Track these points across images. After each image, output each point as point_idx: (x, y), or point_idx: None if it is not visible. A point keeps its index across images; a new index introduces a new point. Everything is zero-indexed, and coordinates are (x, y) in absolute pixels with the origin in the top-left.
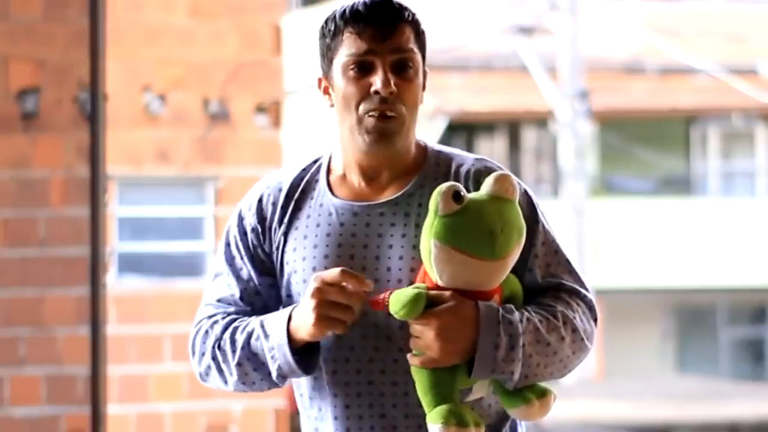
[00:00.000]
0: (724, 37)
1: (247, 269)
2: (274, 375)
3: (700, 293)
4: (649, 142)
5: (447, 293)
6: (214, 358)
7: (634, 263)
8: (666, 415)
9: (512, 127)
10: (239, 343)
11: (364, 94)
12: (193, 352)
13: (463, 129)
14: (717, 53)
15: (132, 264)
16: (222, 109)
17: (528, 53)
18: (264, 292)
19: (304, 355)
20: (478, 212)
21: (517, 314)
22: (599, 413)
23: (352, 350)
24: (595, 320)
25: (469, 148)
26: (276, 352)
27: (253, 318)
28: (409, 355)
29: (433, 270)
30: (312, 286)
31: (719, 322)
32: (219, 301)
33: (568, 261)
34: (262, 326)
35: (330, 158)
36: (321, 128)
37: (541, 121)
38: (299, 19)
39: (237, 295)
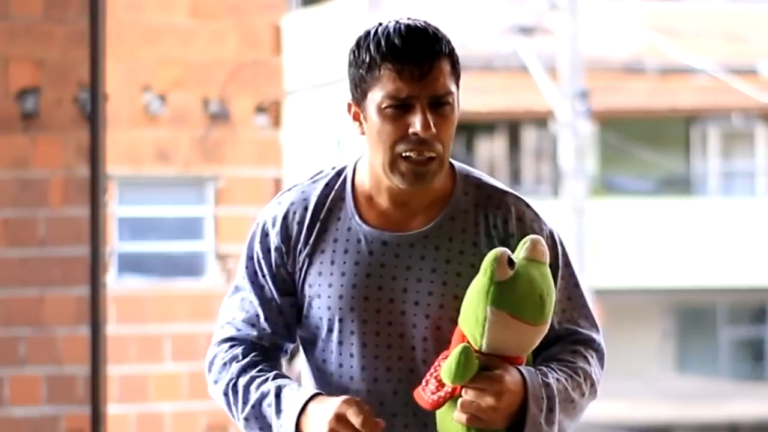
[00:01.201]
0: (724, 37)
1: (269, 288)
2: None
3: (700, 293)
4: (649, 142)
5: (495, 359)
6: (226, 394)
7: (634, 263)
8: (666, 415)
9: (512, 127)
10: (251, 400)
11: (402, 135)
12: (209, 370)
13: (463, 129)
14: (717, 53)
15: (132, 264)
16: (222, 109)
17: (528, 53)
18: (286, 312)
19: None
20: (529, 278)
21: (550, 376)
22: (599, 413)
23: (376, 382)
24: (603, 367)
25: (469, 148)
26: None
27: (271, 378)
28: (456, 413)
29: (482, 336)
30: (336, 411)
31: (719, 322)
32: (242, 321)
33: (584, 304)
34: (277, 396)
35: (354, 170)
36: (321, 128)
37: (541, 121)
38: (299, 19)
39: (261, 315)
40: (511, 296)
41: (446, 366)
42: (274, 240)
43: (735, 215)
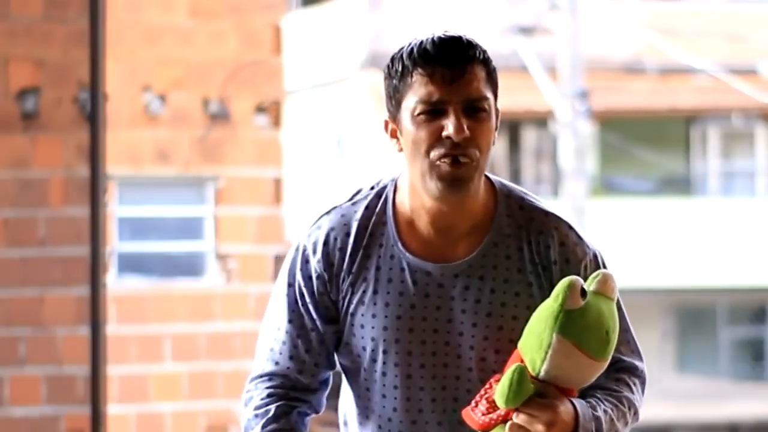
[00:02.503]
0: (724, 37)
1: (310, 317)
2: None
3: (700, 293)
4: (649, 142)
5: (551, 387)
6: None
7: (634, 263)
8: (666, 415)
9: (512, 127)
10: None
11: (435, 139)
12: (245, 406)
13: None
14: (717, 53)
15: (132, 264)
16: (222, 109)
17: (528, 53)
18: (328, 340)
19: None
20: (599, 311)
21: (599, 408)
22: None
23: (421, 413)
24: (644, 392)
25: None
26: None
27: None
28: None
29: (543, 362)
30: None
31: (719, 322)
32: (281, 353)
33: (627, 329)
34: None
35: (395, 191)
36: (321, 128)
37: (541, 121)
38: (299, 19)
39: (301, 347)
40: (579, 326)
41: (500, 386)
42: (315, 267)
43: (735, 215)
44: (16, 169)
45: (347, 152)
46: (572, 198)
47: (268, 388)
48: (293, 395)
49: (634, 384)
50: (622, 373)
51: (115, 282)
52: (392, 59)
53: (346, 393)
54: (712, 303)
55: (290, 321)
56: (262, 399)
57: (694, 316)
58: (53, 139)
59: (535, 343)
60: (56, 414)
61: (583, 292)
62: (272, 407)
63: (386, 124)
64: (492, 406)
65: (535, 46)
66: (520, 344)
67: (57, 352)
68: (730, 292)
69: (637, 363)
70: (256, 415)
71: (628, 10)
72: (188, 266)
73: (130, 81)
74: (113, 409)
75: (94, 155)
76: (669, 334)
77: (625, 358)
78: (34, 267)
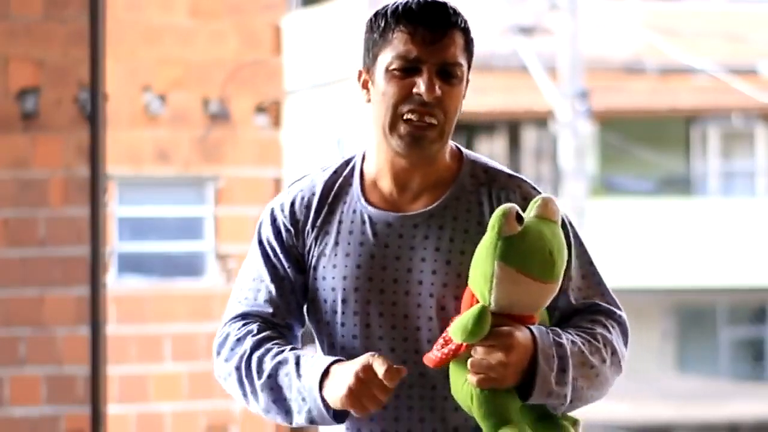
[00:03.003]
0: (724, 37)
1: (282, 267)
2: (303, 417)
3: (700, 293)
4: (649, 142)
5: (504, 318)
6: (239, 368)
7: (634, 263)
8: (666, 415)
9: (512, 127)
10: (267, 369)
11: (406, 95)
12: (218, 353)
13: (463, 129)
14: (717, 53)
15: (132, 264)
16: (222, 109)
17: (528, 53)
18: (299, 291)
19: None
20: (539, 233)
21: (563, 335)
22: (599, 413)
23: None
24: (627, 343)
25: (469, 148)
26: (307, 395)
27: (288, 349)
28: (469, 376)
29: (491, 292)
30: (362, 363)
31: (719, 322)
32: (255, 298)
33: (600, 282)
34: (297, 364)
35: (363, 159)
36: (321, 128)
37: (541, 121)
38: (299, 19)
39: (274, 292)
40: (519, 251)
41: (460, 323)
42: (283, 222)
43: (735, 215)
44: (16, 169)
45: (347, 152)
46: (572, 198)
47: (244, 324)
48: (271, 333)
49: (612, 326)
50: (598, 315)
51: (115, 282)
52: (376, 14)
53: (318, 353)
54: (712, 303)
55: (262, 271)
56: (240, 329)
57: (694, 316)
58: (53, 139)
59: (480, 276)
60: (56, 414)
61: (519, 218)
62: (253, 327)
63: (360, 74)
64: (446, 342)
65: (535, 46)
66: (469, 281)
67: (57, 352)
68: (730, 292)
69: (615, 310)
70: (239, 339)
71: (628, 10)
72: (188, 266)
73: (130, 81)
74: (113, 409)
75: (94, 155)
76: (669, 334)
77: (600, 302)
78: (34, 267)
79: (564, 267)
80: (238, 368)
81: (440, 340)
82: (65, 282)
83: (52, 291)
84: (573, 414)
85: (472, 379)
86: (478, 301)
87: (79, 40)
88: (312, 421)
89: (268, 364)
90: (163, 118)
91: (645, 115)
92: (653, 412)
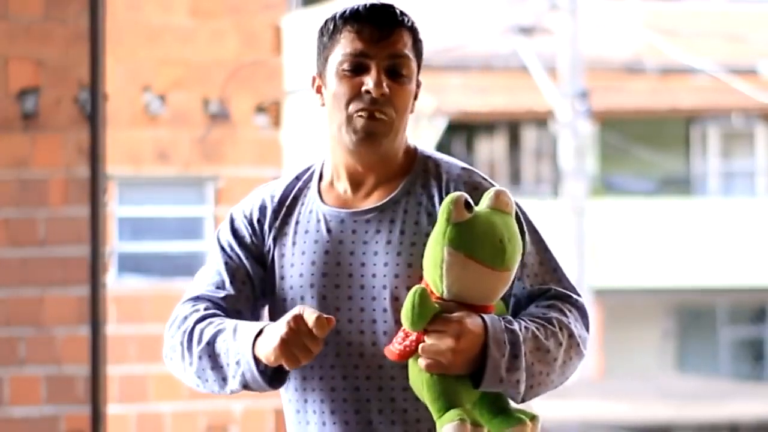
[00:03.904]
0: (724, 37)
1: (237, 257)
2: (236, 381)
3: (700, 293)
4: (649, 142)
5: (456, 305)
6: (182, 343)
7: (634, 263)
8: (666, 415)
9: (512, 127)
10: (206, 337)
11: (355, 93)
12: (167, 329)
13: (463, 129)
14: (717, 53)
15: (132, 264)
16: (222, 109)
17: (528, 53)
18: (256, 281)
19: (269, 370)
20: (489, 221)
21: (516, 323)
22: (599, 413)
23: (338, 356)
24: (587, 326)
25: (469, 148)
26: (241, 357)
27: (230, 320)
28: (419, 360)
29: (441, 279)
30: (293, 314)
31: (719, 322)
32: (208, 284)
33: (556, 269)
34: (234, 329)
35: (322, 165)
36: (320, 128)
37: (541, 121)
38: (299, 19)
39: (227, 280)
40: (468, 237)
41: (403, 310)
42: (243, 223)
43: (735, 215)
44: (16, 169)
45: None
46: (572, 198)
47: (193, 305)
48: (216, 311)
49: (569, 311)
50: (554, 300)
51: (115, 282)
52: (326, 20)
53: None
54: (712, 303)
55: (217, 263)
56: (188, 310)
57: (694, 316)
58: (53, 139)
59: (431, 263)
60: (56, 414)
61: (469, 206)
62: (201, 307)
63: (313, 79)
64: (406, 335)
65: (535, 46)
66: (423, 272)
67: (57, 352)
68: (730, 292)
69: (571, 294)
70: (185, 318)
71: (628, 10)
72: (188, 266)
73: (130, 81)
74: (113, 409)
75: (94, 155)
76: (669, 334)
77: (555, 287)
78: (34, 267)
79: (518, 257)
80: (181, 343)
81: (400, 333)
82: (65, 282)
83: (52, 291)
84: (533, 410)
85: (422, 363)
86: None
87: (79, 40)
88: (246, 385)
89: (208, 333)
90: (163, 118)
91: (645, 115)
92: (653, 412)
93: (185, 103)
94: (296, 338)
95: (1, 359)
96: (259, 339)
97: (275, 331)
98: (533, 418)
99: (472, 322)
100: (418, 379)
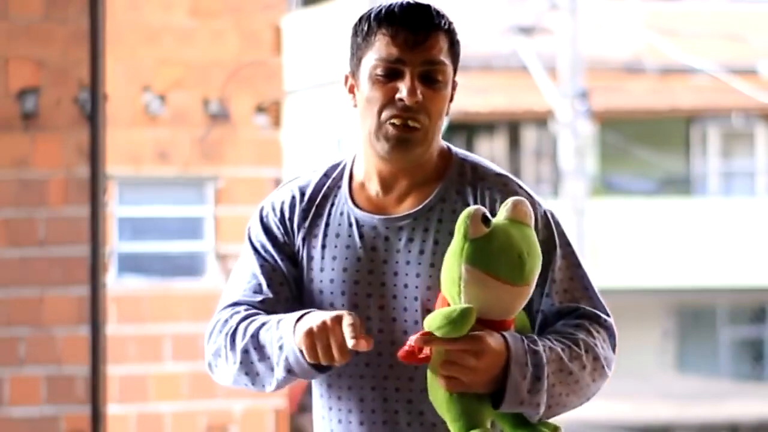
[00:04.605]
0: (724, 37)
1: (273, 259)
2: (281, 368)
3: (700, 293)
4: (649, 142)
5: (476, 324)
6: (225, 345)
7: (634, 263)
8: (666, 415)
9: (512, 127)
10: (251, 331)
11: (388, 100)
12: (209, 336)
13: (463, 129)
14: (717, 53)
15: (132, 264)
16: (222, 109)
17: (528, 53)
18: (291, 282)
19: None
20: (507, 236)
21: (540, 344)
22: (599, 413)
23: (368, 366)
24: (614, 347)
25: (469, 148)
26: (284, 343)
27: (275, 315)
28: (438, 377)
29: (459, 296)
30: (337, 313)
31: (719, 322)
32: (245, 289)
33: (587, 286)
34: (278, 320)
35: (353, 162)
36: (321, 128)
37: (541, 121)
38: (299, 19)
39: (264, 284)
40: (485, 253)
41: (441, 313)
42: (273, 221)
43: (735, 215)
44: (16, 169)
45: (347, 152)
46: (572, 198)
47: (233, 310)
48: (257, 313)
49: (597, 331)
50: (582, 320)
51: (115, 282)
52: (360, 19)
53: None
54: (712, 303)
55: (253, 265)
56: (228, 314)
57: (694, 316)
58: (53, 139)
59: (449, 280)
60: (56, 414)
61: (486, 220)
62: (241, 309)
63: (346, 78)
64: (419, 339)
65: (535, 46)
66: (441, 287)
67: (57, 352)
68: (730, 292)
69: (600, 313)
70: (226, 321)
71: (628, 10)
72: (188, 266)
73: (130, 81)
74: (113, 409)
75: (94, 155)
76: (669, 333)
77: (584, 306)
78: (34, 267)
79: (537, 270)
80: (225, 345)
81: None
82: (65, 282)
83: (52, 291)
84: (554, 420)
85: (441, 380)
86: (449, 305)
87: (79, 40)
88: (290, 370)
89: (252, 327)
90: (163, 118)
91: (645, 115)
92: (653, 412)
93: (185, 103)
94: (324, 337)
95: (1, 359)
96: (300, 322)
97: (313, 319)
98: (555, 429)
99: (495, 341)
100: (438, 396)
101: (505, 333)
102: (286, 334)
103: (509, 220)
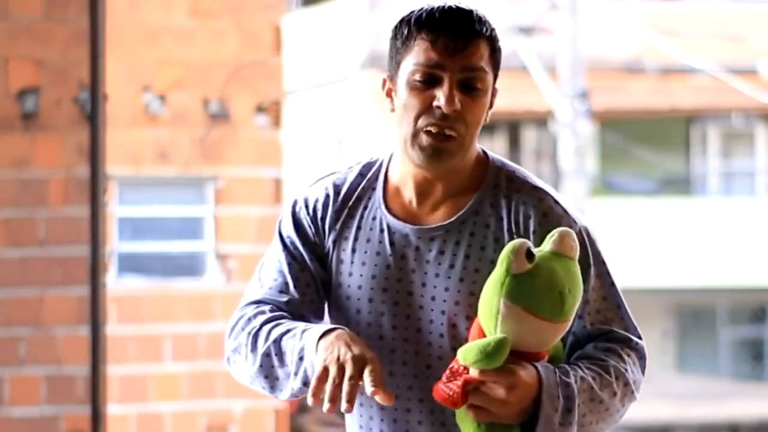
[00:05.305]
0: (724, 37)
1: (302, 259)
2: (299, 378)
3: (700, 293)
4: (649, 142)
5: (510, 355)
6: (246, 345)
7: (634, 263)
8: (666, 415)
9: (512, 127)
10: (274, 335)
11: (426, 107)
12: (231, 332)
13: None
14: (717, 53)
15: (132, 264)
16: (222, 109)
17: (528, 53)
18: (318, 283)
19: None
20: (550, 272)
21: (572, 375)
22: None
23: (392, 376)
24: (644, 369)
25: None
26: (306, 353)
27: (300, 321)
28: (469, 409)
29: (495, 329)
30: (362, 353)
31: (719, 322)
32: (271, 287)
33: (620, 305)
34: (304, 330)
35: (389, 162)
36: (321, 128)
37: (541, 121)
38: (299, 19)
39: (290, 283)
40: (527, 290)
41: (476, 345)
42: (305, 217)
43: (735, 215)
44: (16, 169)
45: (347, 152)
46: (572, 198)
47: (257, 308)
48: (282, 315)
49: (628, 355)
50: (613, 344)
51: (115, 282)
52: (400, 21)
53: None
54: (712, 303)
55: (281, 262)
56: (252, 311)
57: (694, 316)
58: (53, 139)
59: (487, 311)
60: (56, 414)
61: (530, 255)
62: (266, 309)
63: (384, 82)
64: (453, 374)
65: (535, 46)
66: (478, 313)
67: (57, 352)
68: (730, 292)
69: (632, 337)
70: (249, 319)
71: (628, 10)
72: (188, 266)
73: (130, 81)
74: (113, 409)
75: (94, 155)
76: (669, 333)
77: (617, 330)
78: (34, 267)
79: (577, 304)
80: (246, 344)
81: (447, 372)
82: (65, 282)
83: (52, 291)
84: None
85: (470, 410)
86: (484, 335)
87: (79, 40)
88: (306, 383)
89: (276, 332)
90: (163, 118)
91: (645, 115)
92: (653, 412)
93: (185, 103)
94: (334, 385)
95: (1, 359)
96: (325, 339)
97: (335, 346)
98: None
99: (527, 374)
100: (466, 423)
101: (537, 364)
102: (309, 346)
103: (553, 254)
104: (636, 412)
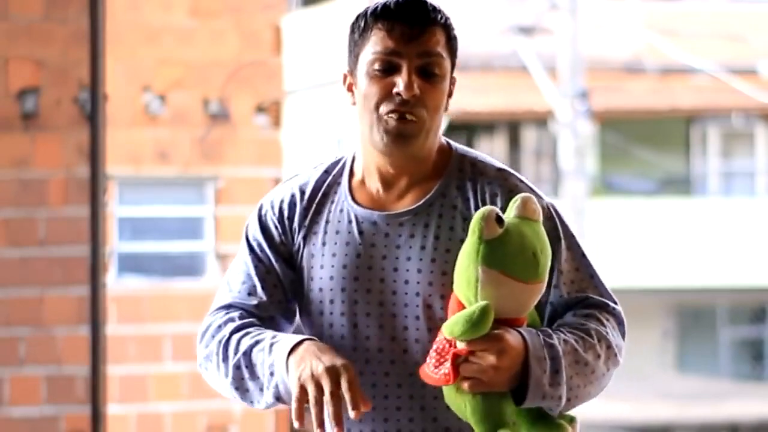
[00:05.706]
0: (724, 37)
1: (268, 261)
2: (270, 393)
3: (700, 293)
4: (649, 142)
5: (493, 323)
6: (217, 354)
7: (634, 263)
8: (666, 415)
9: (512, 127)
10: (243, 347)
11: (386, 94)
12: (201, 338)
13: (463, 129)
14: (717, 53)
15: (132, 264)
16: (222, 109)
17: (528, 53)
18: (286, 284)
19: None
20: (520, 235)
21: (555, 337)
22: (599, 413)
23: (368, 363)
24: (623, 334)
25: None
26: (275, 369)
27: (268, 330)
28: (462, 381)
29: (476, 297)
30: (335, 363)
31: (719, 322)
32: (239, 291)
33: (593, 275)
34: (272, 342)
35: (353, 159)
36: (321, 128)
37: (541, 121)
38: (299, 19)
39: (258, 285)
40: (501, 254)
41: (461, 317)
42: (271, 219)
43: (735, 215)
44: (16, 169)
45: (348, 149)
46: (572, 198)
47: (227, 314)
48: (252, 321)
49: (607, 320)
50: (591, 309)
51: (115, 282)
52: (357, 17)
53: None
54: (712, 303)
55: (248, 265)
56: (221, 318)
57: (694, 316)
58: (53, 139)
59: (464, 281)
60: (56, 414)
61: (500, 220)
62: (235, 316)
63: (345, 77)
64: (440, 354)
65: (535, 46)
66: (454, 287)
67: (57, 352)
68: (730, 292)
69: (608, 302)
70: (219, 327)
71: (628, 10)
72: (188, 266)
73: (130, 81)
74: (113, 409)
75: (94, 155)
76: (669, 334)
77: (592, 295)
78: (34, 267)
79: (548, 266)
80: (217, 353)
81: (432, 353)
82: (65, 282)
83: (52, 291)
84: (570, 412)
85: (464, 383)
86: (464, 307)
87: (79, 40)
88: (279, 398)
89: (245, 344)
90: (163, 118)
91: (645, 115)
92: (653, 412)
93: (185, 103)
94: (318, 405)
95: (1, 359)
96: (296, 350)
97: (312, 357)
98: (572, 420)
99: (513, 338)
100: (459, 399)
101: (520, 329)
102: (278, 362)
103: (519, 218)
104: (636, 412)
